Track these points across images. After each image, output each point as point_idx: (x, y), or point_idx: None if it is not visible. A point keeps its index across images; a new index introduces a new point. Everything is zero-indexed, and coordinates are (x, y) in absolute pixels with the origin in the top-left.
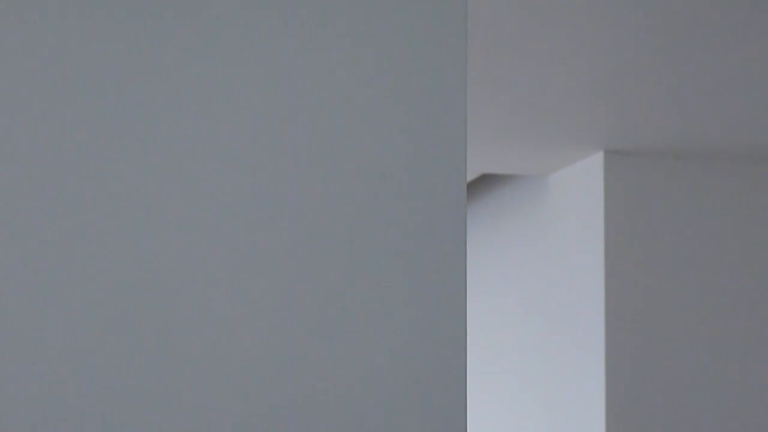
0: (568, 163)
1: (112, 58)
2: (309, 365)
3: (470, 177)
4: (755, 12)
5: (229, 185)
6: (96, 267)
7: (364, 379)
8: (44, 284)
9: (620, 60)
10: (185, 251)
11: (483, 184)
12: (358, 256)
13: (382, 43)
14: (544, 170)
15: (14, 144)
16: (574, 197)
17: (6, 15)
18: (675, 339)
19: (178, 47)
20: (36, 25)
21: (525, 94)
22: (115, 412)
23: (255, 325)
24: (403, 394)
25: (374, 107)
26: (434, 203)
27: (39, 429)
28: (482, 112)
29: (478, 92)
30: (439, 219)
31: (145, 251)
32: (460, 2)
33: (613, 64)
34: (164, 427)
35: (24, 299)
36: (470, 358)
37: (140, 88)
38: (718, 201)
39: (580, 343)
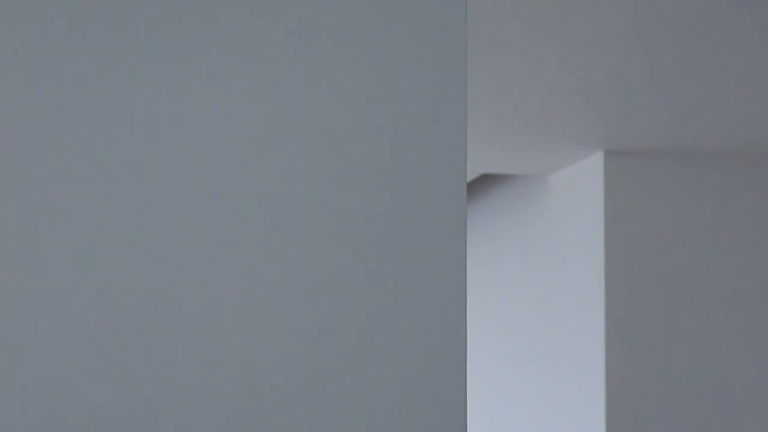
0: (568, 163)
1: (112, 57)
2: (308, 365)
3: (470, 177)
4: (755, 12)
5: (228, 185)
6: (96, 266)
7: (363, 379)
8: (44, 284)
9: (620, 60)
10: (185, 250)
11: (483, 184)
12: (357, 256)
13: (382, 43)
14: (544, 170)
15: (15, 144)
16: (574, 197)
17: (6, 15)
18: (675, 339)
19: (177, 46)
20: (36, 25)
21: (525, 95)
22: (116, 412)
23: (253, 324)
24: (403, 394)
25: (374, 107)
26: (434, 203)
27: (39, 429)
28: (482, 112)
29: (478, 92)
30: (439, 219)
31: (144, 251)
32: (460, 2)
33: (612, 64)
34: (165, 426)
35: (24, 299)
36: (470, 357)
37: (139, 88)
38: (718, 201)
39: (580, 342)
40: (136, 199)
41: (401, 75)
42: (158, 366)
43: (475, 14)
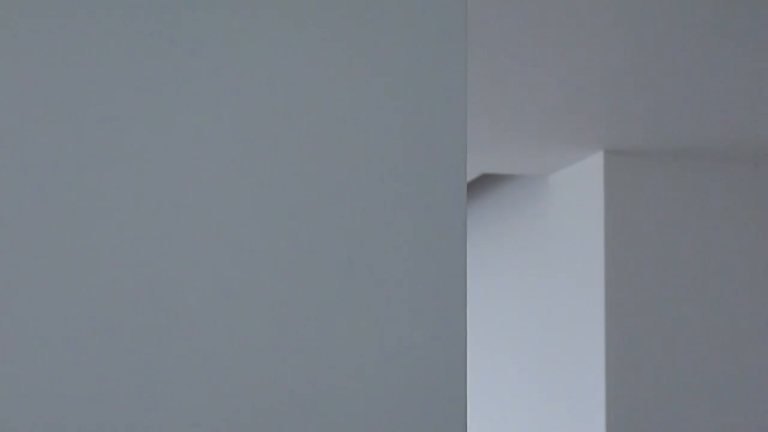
0: (568, 163)
1: (112, 56)
2: (308, 365)
3: (470, 177)
4: (755, 12)
5: (228, 186)
6: (96, 265)
7: (363, 379)
8: (44, 284)
9: (620, 60)
10: (185, 251)
11: (483, 184)
12: (357, 256)
13: (382, 43)
14: (544, 170)
15: (15, 143)
16: (574, 197)
17: (6, 14)
18: (675, 338)
19: (177, 46)
20: (36, 24)
21: (525, 95)
22: (115, 412)
23: (253, 324)
24: (403, 393)
25: (374, 107)
26: (434, 203)
27: (39, 429)
28: (482, 112)
29: (478, 92)
30: (439, 219)
31: (145, 251)
32: (460, 2)
33: (613, 64)
34: (164, 427)
35: (24, 299)
36: (470, 357)
37: (139, 88)
38: (718, 201)
39: (580, 342)
40: (136, 200)
41: (401, 75)
42: (157, 366)
43: (476, 14)
